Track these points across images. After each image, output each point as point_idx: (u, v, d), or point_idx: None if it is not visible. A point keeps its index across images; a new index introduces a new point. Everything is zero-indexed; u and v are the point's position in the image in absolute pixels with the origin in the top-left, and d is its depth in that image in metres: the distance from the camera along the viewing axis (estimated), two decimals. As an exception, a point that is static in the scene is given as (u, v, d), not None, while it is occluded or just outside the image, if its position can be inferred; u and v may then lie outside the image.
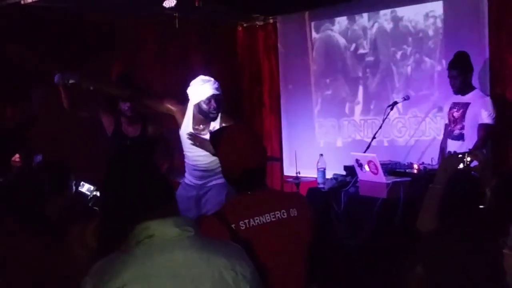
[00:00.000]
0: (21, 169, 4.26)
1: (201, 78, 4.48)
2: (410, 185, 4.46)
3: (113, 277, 1.63)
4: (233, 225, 2.30)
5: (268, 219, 2.37)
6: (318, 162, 5.34)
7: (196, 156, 4.51)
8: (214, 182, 4.51)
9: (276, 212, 2.39)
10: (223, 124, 4.41)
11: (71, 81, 4.48)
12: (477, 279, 1.90)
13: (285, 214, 2.41)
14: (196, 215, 4.42)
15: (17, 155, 4.35)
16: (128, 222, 2.04)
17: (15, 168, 4.33)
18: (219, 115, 4.47)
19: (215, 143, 2.58)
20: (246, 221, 2.32)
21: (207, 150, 4.26)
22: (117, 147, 4.89)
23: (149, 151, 4.83)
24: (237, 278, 1.72)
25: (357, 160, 4.64)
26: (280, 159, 7.28)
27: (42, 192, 2.66)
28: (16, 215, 2.50)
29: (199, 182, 4.58)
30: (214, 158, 4.01)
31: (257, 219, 2.35)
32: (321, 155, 5.39)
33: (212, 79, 4.47)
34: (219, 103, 4.43)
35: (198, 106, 4.44)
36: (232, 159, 2.44)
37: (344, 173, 5.14)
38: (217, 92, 4.40)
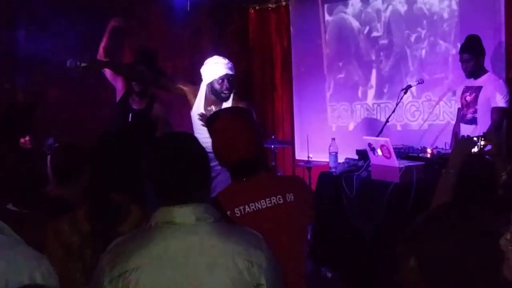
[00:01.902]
0: (30, 151, 4.27)
1: (215, 57, 4.53)
2: (423, 170, 4.42)
3: (127, 258, 1.64)
4: (228, 212, 2.28)
5: (263, 205, 2.35)
6: (330, 146, 5.31)
7: (206, 138, 4.50)
8: (217, 168, 4.49)
9: (272, 198, 2.37)
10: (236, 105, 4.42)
11: (83, 64, 4.49)
12: (476, 267, 1.86)
13: (281, 199, 2.38)
14: None
15: (27, 137, 4.35)
16: (121, 202, 2.07)
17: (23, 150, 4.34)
18: (231, 96, 4.47)
19: (209, 130, 2.54)
20: (241, 207, 2.31)
21: None
22: (120, 119, 4.92)
23: (150, 128, 4.82)
24: (252, 267, 1.70)
25: (369, 144, 4.61)
26: (292, 143, 7.26)
27: (46, 175, 2.67)
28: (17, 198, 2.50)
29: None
30: None
31: (252, 206, 2.33)
32: (333, 139, 5.36)
33: (227, 59, 4.50)
34: (232, 84, 4.46)
35: (210, 85, 4.48)
36: (222, 150, 2.42)
37: (356, 157, 5.11)
38: (230, 72, 4.44)
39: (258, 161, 2.48)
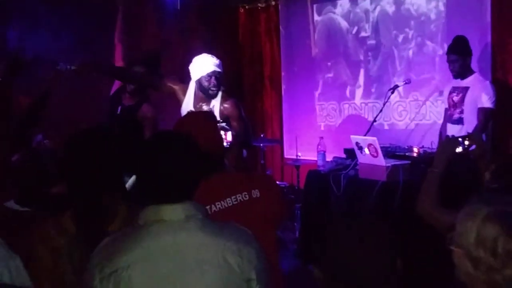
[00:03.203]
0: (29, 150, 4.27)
1: (204, 55, 4.56)
2: (409, 169, 4.47)
3: (118, 257, 1.64)
4: None
5: (229, 203, 2.37)
6: (318, 145, 5.36)
7: None
8: None
9: (238, 195, 2.39)
10: (224, 103, 4.46)
11: (73, 67, 4.51)
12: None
13: (246, 196, 2.41)
14: None
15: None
16: (109, 203, 2.03)
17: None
18: (220, 93, 4.51)
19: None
20: (208, 207, 2.29)
21: None
22: (110, 111, 4.96)
23: (134, 125, 4.83)
24: (243, 263, 1.71)
25: (357, 143, 4.65)
26: (280, 142, 7.30)
27: (47, 172, 2.66)
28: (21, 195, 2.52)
29: None
30: None
31: (218, 204, 2.35)
32: (322, 138, 5.41)
33: (215, 57, 4.54)
34: (219, 81, 4.50)
35: (199, 83, 4.51)
36: None
37: (344, 156, 5.15)
38: (218, 70, 4.48)
39: (220, 160, 2.51)
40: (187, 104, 4.57)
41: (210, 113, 3.01)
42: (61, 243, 2.00)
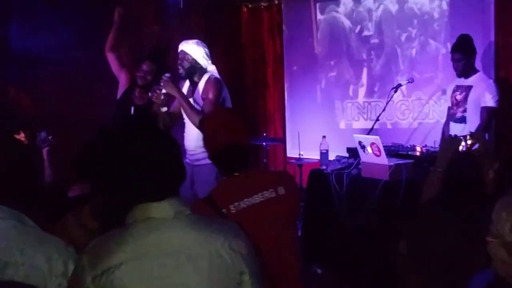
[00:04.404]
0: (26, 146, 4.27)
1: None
2: (412, 168, 4.46)
3: (110, 255, 1.63)
4: (224, 210, 2.32)
5: (257, 199, 2.39)
6: (321, 144, 5.34)
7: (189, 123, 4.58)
8: (204, 162, 4.53)
9: (265, 192, 2.42)
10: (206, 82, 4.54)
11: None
12: (458, 251, 1.93)
13: (273, 193, 2.43)
14: (190, 195, 4.48)
15: (22, 134, 4.35)
16: (129, 201, 2.02)
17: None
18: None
19: (202, 121, 2.64)
20: (236, 204, 2.34)
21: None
22: (121, 115, 4.97)
23: (152, 123, 4.85)
24: (234, 255, 1.72)
25: (360, 142, 4.65)
26: (283, 141, 7.29)
27: (41, 171, 2.67)
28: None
29: (191, 157, 4.62)
30: None
31: (246, 201, 2.38)
32: (324, 137, 5.40)
33: (194, 41, 4.66)
34: (188, 61, 4.56)
35: None
36: (214, 134, 2.48)
37: (346, 155, 5.14)
38: (184, 50, 4.58)
39: (248, 153, 2.54)
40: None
41: (236, 109, 3.07)
42: (77, 235, 2.02)
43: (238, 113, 2.75)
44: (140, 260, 1.63)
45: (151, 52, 5.28)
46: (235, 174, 2.46)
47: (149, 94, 4.55)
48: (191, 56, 4.57)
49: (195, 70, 4.61)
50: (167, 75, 4.48)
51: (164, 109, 4.54)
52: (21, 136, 4.38)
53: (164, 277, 1.64)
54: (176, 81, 4.64)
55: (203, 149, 4.40)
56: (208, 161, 4.39)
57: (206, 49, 4.67)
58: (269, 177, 2.60)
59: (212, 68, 4.68)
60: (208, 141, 2.53)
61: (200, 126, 2.64)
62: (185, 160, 4.68)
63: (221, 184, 2.53)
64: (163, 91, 4.45)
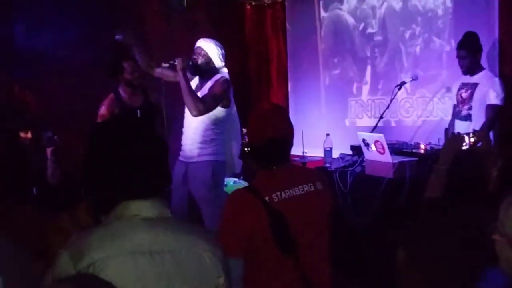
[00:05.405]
0: (31, 146, 4.27)
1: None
2: (416, 165, 4.46)
3: (91, 251, 1.61)
4: (266, 198, 2.42)
5: (297, 192, 2.51)
6: (324, 142, 5.35)
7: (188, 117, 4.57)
8: (200, 159, 4.53)
9: (304, 185, 2.54)
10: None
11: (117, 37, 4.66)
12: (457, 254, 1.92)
13: (312, 187, 2.56)
14: (183, 193, 4.48)
15: (29, 133, 4.35)
16: (113, 198, 2.00)
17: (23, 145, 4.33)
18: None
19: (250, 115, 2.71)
20: (278, 193, 2.45)
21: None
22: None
23: (152, 121, 4.80)
24: (215, 260, 1.76)
25: (363, 140, 4.65)
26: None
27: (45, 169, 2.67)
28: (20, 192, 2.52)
29: (187, 154, 4.61)
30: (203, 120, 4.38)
31: (287, 192, 2.48)
32: (328, 134, 5.40)
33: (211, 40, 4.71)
34: (200, 58, 4.61)
35: None
36: (259, 128, 2.56)
37: (350, 152, 5.15)
38: (201, 46, 4.63)
39: (290, 148, 2.64)
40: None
41: (279, 105, 3.19)
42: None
43: (282, 109, 2.91)
44: (121, 257, 1.62)
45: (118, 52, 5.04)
46: (274, 167, 2.54)
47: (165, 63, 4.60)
48: (207, 53, 4.59)
49: (208, 68, 4.60)
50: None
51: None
52: (28, 135, 4.39)
53: (147, 275, 1.64)
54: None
55: (200, 144, 4.49)
56: (204, 157, 4.51)
57: (223, 51, 4.67)
58: (307, 172, 2.77)
59: (224, 70, 4.66)
60: (252, 134, 2.62)
61: (247, 122, 2.72)
62: (179, 158, 4.67)
63: (261, 175, 2.59)
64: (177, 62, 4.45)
